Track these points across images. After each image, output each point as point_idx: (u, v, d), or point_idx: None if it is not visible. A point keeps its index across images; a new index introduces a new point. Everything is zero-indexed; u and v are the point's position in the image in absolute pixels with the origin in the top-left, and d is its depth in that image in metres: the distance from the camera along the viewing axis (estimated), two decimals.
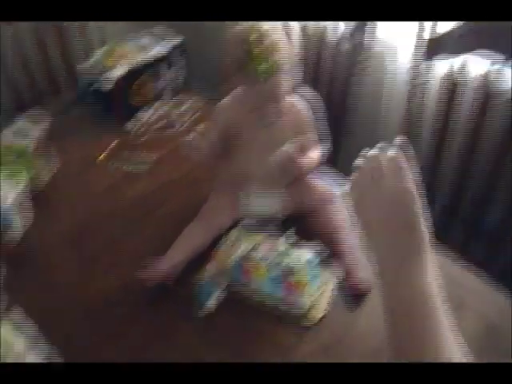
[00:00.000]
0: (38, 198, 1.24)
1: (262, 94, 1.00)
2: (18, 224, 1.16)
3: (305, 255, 1.00)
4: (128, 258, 1.08)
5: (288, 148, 1.01)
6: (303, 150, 1.05)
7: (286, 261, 0.98)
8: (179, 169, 1.30)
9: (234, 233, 1.05)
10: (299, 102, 1.09)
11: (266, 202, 1.12)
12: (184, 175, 1.28)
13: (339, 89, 1.52)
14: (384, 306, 0.60)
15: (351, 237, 1.02)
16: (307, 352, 0.89)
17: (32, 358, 0.83)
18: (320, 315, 0.94)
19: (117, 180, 1.30)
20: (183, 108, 1.54)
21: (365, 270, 0.97)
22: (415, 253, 0.60)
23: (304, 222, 1.09)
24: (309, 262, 0.99)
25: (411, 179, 0.62)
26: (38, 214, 1.20)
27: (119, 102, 1.47)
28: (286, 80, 1.00)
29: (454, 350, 0.56)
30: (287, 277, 0.95)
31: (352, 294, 0.98)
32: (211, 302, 0.95)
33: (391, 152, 0.65)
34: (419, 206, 0.61)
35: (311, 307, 0.95)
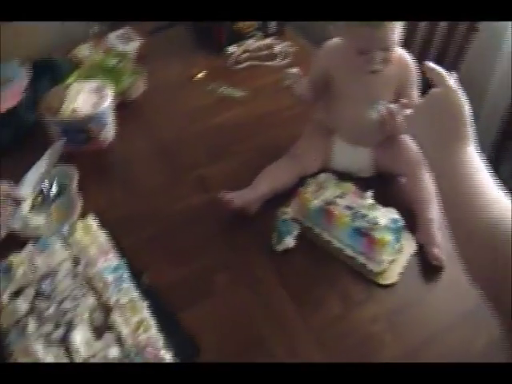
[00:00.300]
0: (131, 107, 1.25)
1: (373, 38, 0.93)
2: (111, 125, 1.18)
3: (390, 214, 0.95)
4: (212, 181, 1.07)
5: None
6: (405, 107, 0.98)
7: (372, 215, 0.94)
8: (275, 103, 1.27)
9: (322, 176, 1.02)
10: (408, 56, 1.01)
11: (355, 156, 1.07)
12: (279, 110, 1.25)
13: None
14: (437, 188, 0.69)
15: (433, 211, 0.97)
16: (372, 312, 0.86)
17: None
18: (395, 278, 0.91)
19: (210, 102, 1.29)
20: (285, 44, 1.49)
21: (439, 247, 0.92)
22: (460, 138, 0.69)
23: (386, 186, 1.05)
24: (393, 221, 0.94)
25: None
26: (128, 124, 1.21)
27: (223, 25, 1.43)
28: (399, 29, 0.93)
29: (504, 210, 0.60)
30: (370, 231, 0.91)
31: (427, 266, 0.93)
32: (290, 240, 0.93)
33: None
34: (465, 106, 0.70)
35: (388, 267, 0.92)
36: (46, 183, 1.06)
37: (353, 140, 1.06)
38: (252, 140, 1.17)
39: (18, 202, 0.93)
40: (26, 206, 0.98)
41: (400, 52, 1.00)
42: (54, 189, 1.06)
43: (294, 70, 1.03)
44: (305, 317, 0.84)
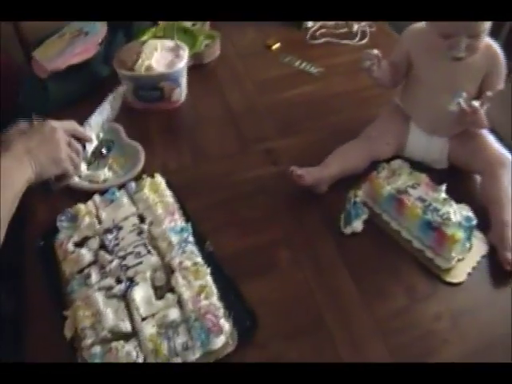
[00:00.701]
0: (204, 71, 1.22)
1: (460, 23, 0.87)
2: (184, 86, 1.16)
3: (464, 212, 0.90)
4: (280, 155, 1.04)
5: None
6: (488, 101, 0.92)
7: (445, 210, 0.89)
8: (350, 83, 1.22)
9: (396, 162, 0.97)
10: (497, 46, 0.95)
11: (430, 145, 1.02)
12: (354, 90, 1.20)
13: None
14: None
15: (509, 213, 0.91)
16: (436, 309, 0.82)
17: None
18: (463, 277, 0.86)
19: (284, 75, 1.25)
20: (364, 23, 1.42)
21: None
22: None
23: (461, 181, 0.99)
24: (467, 219, 0.89)
25: None
26: (201, 87, 1.19)
27: None
28: None
29: None
30: (442, 226, 0.87)
31: (497, 270, 0.88)
32: (358, 223, 0.90)
33: None
34: None
35: (456, 265, 0.87)
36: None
37: (429, 129, 1.01)
38: (324, 118, 1.13)
39: (83, 143, 0.92)
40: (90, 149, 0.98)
41: (488, 41, 0.93)
42: (104, 143, 1.05)
43: (375, 52, 0.98)
44: (367, 304, 0.81)
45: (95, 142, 0.98)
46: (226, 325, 0.73)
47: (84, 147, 0.91)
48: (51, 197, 0.92)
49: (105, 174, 0.99)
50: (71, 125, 0.89)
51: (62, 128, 0.84)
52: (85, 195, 0.94)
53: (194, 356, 0.71)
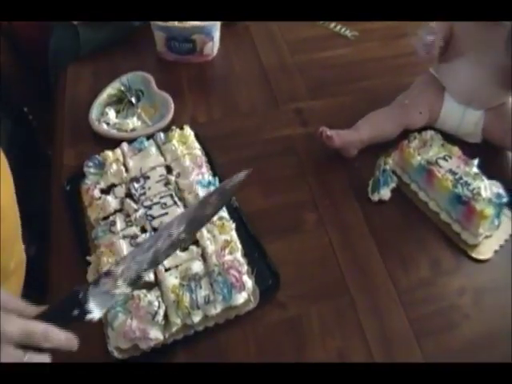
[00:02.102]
0: (237, 27, 1.18)
1: None
2: (217, 41, 1.11)
3: (495, 188, 0.86)
4: (310, 116, 1.00)
5: None
6: None
7: (476, 185, 0.85)
8: (385, 49, 1.17)
9: (428, 133, 0.93)
10: None
11: (464, 118, 0.97)
12: (389, 57, 1.14)
13: None
14: None
15: None
16: (460, 284, 0.79)
17: None
18: (489, 254, 0.82)
19: (319, 36, 1.19)
20: None
21: None
22: None
23: (494, 157, 0.95)
24: (497, 196, 0.85)
25: None
26: (233, 43, 1.15)
27: None
28: None
29: None
30: (471, 201, 0.83)
31: None
32: (387, 191, 0.86)
33: None
34: None
35: (483, 242, 0.84)
36: (124, 88, 1.01)
37: (465, 100, 0.95)
38: (356, 83, 1.08)
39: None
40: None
41: None
42: (134, 92, 1.02)
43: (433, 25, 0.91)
44: (390, 272, 0.78)
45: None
46: (248, 281, 0.71)
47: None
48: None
49: (133, 122, 0.96)
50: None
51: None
52: (113, 143, 0.91)
53: (215, 310, 0.69)
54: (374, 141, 0.93)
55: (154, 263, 0.56)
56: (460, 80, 0.94)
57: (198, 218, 0.61)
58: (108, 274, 0.54)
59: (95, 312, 0.52)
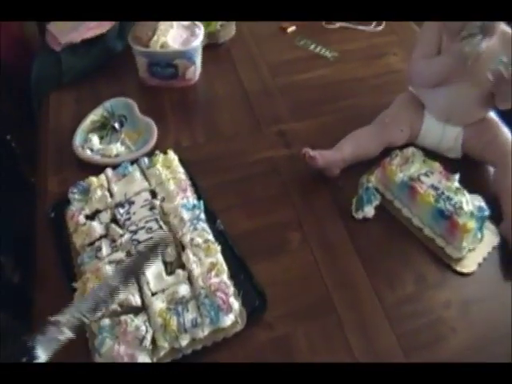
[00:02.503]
0: (219, 50, 1.20)
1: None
2: (198, 65, 1.13)
3: (476, 202, 0.88)
4: (293, 137, 1.02)
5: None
6: None
7: (457, 199, 0.87)
8: (364, 69, 1.20)
9: (409, 150, 0.95)
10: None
11: (444, 134, 0.99)
12: (368, 76, 1.17)
13: None
14: None
15: None
16: (445, 297, 0.80)
17: None
18: (473, 267, 0.84)
19: (299, 58, 1.22)
20: None
21: None
22: None
23: (474, 171, 0.97)
24: (479, 209, 0.87)
25: None
26: (215, 66, 1.17)
27: None
28: None
29: None
30: (454, 215, 0.85)
31: (508, 261, 0.86)
32: (370, 209, 0.88)
33: None
34: None
35: (467, 255, 0.85)
36: (107, 114, 1.03)
37: (444, 117, 0.98)
38: (337, 103, 1.11)
39: None
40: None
41: (503, 27, 0.91)
42: (117, 117, 1.03)
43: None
44: (376, 289, 0.79)
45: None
46: (235, 303, 0.72)
47: None
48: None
49: (117, 148, 0.97)
50: None
51: None
52: (97, 169, 0.92)
53: (202, 333, 0.70)
54: (356, 159, 0.95)
55: (95, 311, 0.63)
56: (438, 99, 0.97)
57: (133, 270, 0.70)
58: (54, 322, 0.59)
59: (42, 357, 0.56)
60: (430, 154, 0.95)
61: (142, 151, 0.96)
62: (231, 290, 0.72)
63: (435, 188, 0.88)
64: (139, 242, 0.77)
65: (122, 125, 1.02)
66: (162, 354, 0.68)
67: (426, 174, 0.91)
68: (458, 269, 0.84)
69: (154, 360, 0.68)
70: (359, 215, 0.88)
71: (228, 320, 0.71)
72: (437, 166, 0.92)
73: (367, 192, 0.88)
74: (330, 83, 1.15)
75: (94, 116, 1.03)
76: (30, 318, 0.77)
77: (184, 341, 0.68)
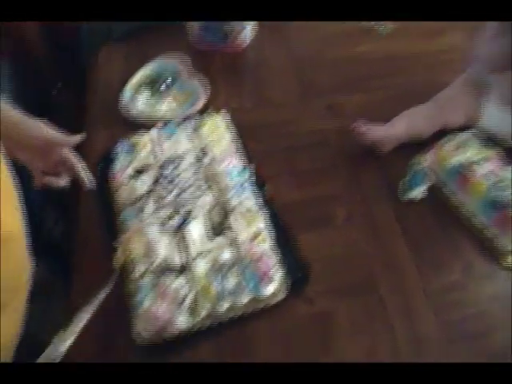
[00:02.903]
0: None
1: None
2: (250, 30, 1.11)
3: None
4: (343, 111, 0.99)
5: None
6: None
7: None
8: (425, 44, 1.15)
9: (463, 135, 0.91)
10: None
11: (506, 120, 0.95)
12: (428, 53, 1.12)
13: None
14: None
15: None
16: (492, 289, 0.77)
17: None
18: None
19: (356, 29, 1.18)
20: None
21: None
22: None
23: None
24: None
25: None
26: (267, 32, 1.15)
27: None
28: None
29: None
30: (506, 208, 0.81)
31: None
32: (419, 192, 0.85)
33: None
34: None
35: None
36: (156, 73, 1.02)
37: (508, 101, 0.93)
38: (392, 78, 1.06)
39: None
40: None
41: None
42: (165, 77, 1.02)
43: None
44: (422, 274, 0.77)
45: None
46: (277, 273, 0.71)
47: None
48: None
49: (164, 108, 0.96)
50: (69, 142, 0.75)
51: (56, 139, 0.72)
52: (143, 128, 0.91)
53: (242, 300, 0.69)
54: (409, 138, 0.92)
55: None
56: (505, 82, 0.92)
57: None
58: None
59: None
60: (488, 141, 0.91)
61: (190, 112, 0.95)
62: (274, 259, 0.71)
63: (489, 177, 0.85)
64: (184, 204, 0.77)
65: (170, 85, 1.01)
66: (200, 317, 0.68)
67: (479, 162, 0.87)
68: (506, 263, 0.81)
69: (193, 322, 0.67)
70: (406, 197, 0.85)
71: (268, 290, 0.70)
72: (493, 154, 0.88)
73: (417, 174, 0.85)
74: (383, 58, 1.11)
75: (142, 74, 1.02)
76: (70, 274, 0.78)
77: (224, 306, 0.68)
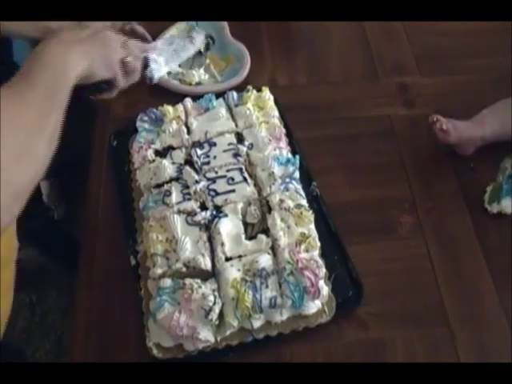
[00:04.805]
0: None
1: None
2: None
3: None
4: (417, 96, 0.98)
5: None
6: None
7: None
8: None
9: None
10: None
11: None
12: None
13: None
14: None
15: None
16: None
17: None
18: None
19: None
20: None
21: None
22: None
23: None
24: None
25: None
26: None
27: None
28: None
29: None
30: None
31: None
32: (509, 202, 0.82)
33: None
34: None
35: None
36: (191, 31, 1.02)
37: None
38: (481, 59, 1.04)
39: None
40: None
41: None
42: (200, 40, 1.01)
43: None
44: (504, 303, 0.75)
45: (164, 70, 0.91)
46: (324, 288, 0.70)
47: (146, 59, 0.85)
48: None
49: (200, 75, 0.96)
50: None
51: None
52: (174, 96, 0.92)
53: (280, 317, 0.69)
54: (499, 138, 0.89)
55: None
56: None
57: None
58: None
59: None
60: None
61: (231, 83, 0.95)
62: (323, 271, 0.70)
63: None
64: (217, 194, 0.76)
65: (207, 47, 1.01)
66: (228, 332, 0.68)
67: None
68: None
69: (218, 339, 0.68)
70: (494, 208, 0.83)
71: (313, 307, 0.69)
72: None
73: (509, 181, 0.83)
74: (472, 31, 1.07)
75: (175, 30, 1.02)
76: (75, 261, 0.79)
77: (257, 322, 0.68)
